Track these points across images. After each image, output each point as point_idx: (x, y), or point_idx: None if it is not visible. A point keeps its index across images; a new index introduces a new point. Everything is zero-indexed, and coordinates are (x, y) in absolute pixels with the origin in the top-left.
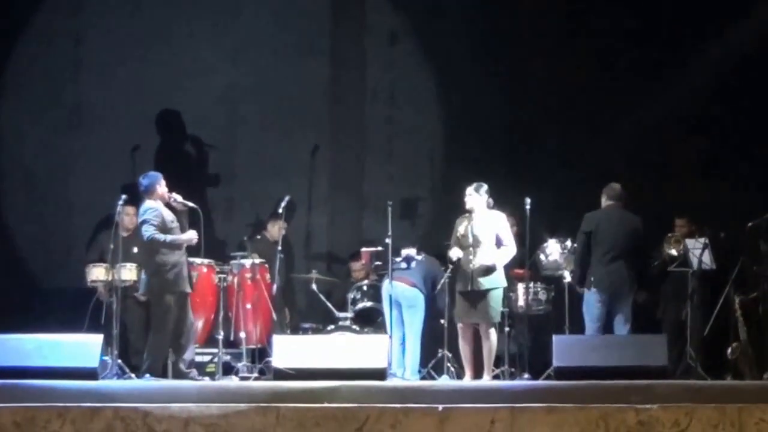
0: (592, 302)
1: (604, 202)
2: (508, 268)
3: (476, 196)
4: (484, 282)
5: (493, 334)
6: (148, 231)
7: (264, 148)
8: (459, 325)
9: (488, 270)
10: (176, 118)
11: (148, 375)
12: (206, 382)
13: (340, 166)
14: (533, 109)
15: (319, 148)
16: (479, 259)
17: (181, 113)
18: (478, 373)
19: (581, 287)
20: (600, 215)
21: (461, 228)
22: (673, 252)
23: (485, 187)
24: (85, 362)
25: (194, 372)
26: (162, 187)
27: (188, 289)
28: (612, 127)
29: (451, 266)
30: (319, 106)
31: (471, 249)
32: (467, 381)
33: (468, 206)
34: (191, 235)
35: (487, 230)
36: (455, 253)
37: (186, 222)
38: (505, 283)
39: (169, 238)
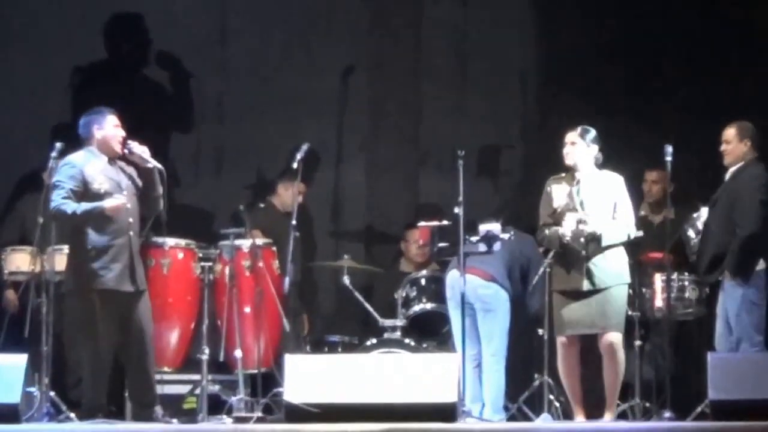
0: (755, 300)
1: (750, 151)
2: (638, 252)
3: (582, 146)
4: (603, 276)
5: (620, 349)
6: (54, 200)
7: (268, 71)
8: (561, 340)
9: (607, 256)
10: (135, 26)
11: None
12: (182, 425)
13: (386, 98)
14: (673, 13)
15: (354, 70)
16: (594, 228)
17: (144, 18)
18: (593, 411)
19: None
20: None
21: (559, 196)
22: None
23: (593, 134)
24: (3, 396)
25: (158, 410)
26: (103, 130)
27: (129, 287)
28: None
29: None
30: (354, 7)
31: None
32: (579, 423)
33: (569, 161)
34: (113, 202)
35: (601, 199)
36: (571, 220)
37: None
38: (629, 278)
39: (81, 208)
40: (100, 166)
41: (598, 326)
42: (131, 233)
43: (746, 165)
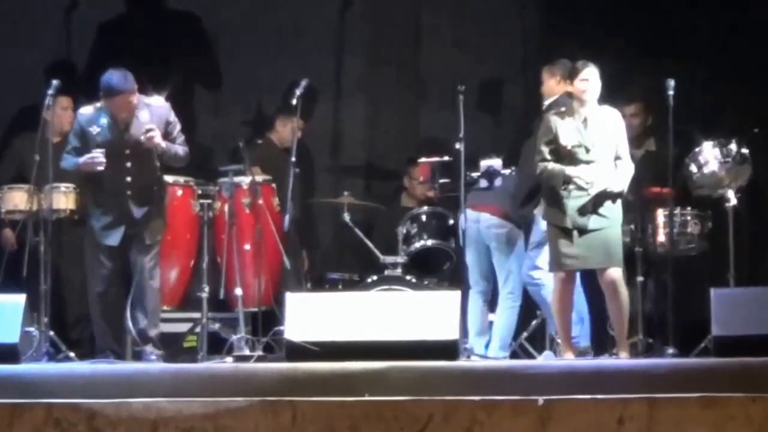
0: None
1: (561, 86)
2: (639, 186)
3: (595, 81)
4: (607, 214)
5: (622, 284)
6: (62, 155)
7: (265, 4)
8: (560, 276)
9: (612, 198)
10: None
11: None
12: (182, 364)
13: (384, 32)
14: None
15: (352, 3)
16: (603, 183)
17: None
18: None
19: None
20: None
21: (567, 133)
22: None
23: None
24: (2, 336)
25: (148, 349)
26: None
27: (123, 242)
28: None
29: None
30: None
31: (586, 166)
32: (581, 360)
33: (587, 97)
34: (87, 159)
35: (607, 138)
36: (587, 173)
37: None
38: (621, 217)
39: (71, 162)
40: (107, 122)
41: (599, 263)
42: (128, 192)
43: (559, 99)
